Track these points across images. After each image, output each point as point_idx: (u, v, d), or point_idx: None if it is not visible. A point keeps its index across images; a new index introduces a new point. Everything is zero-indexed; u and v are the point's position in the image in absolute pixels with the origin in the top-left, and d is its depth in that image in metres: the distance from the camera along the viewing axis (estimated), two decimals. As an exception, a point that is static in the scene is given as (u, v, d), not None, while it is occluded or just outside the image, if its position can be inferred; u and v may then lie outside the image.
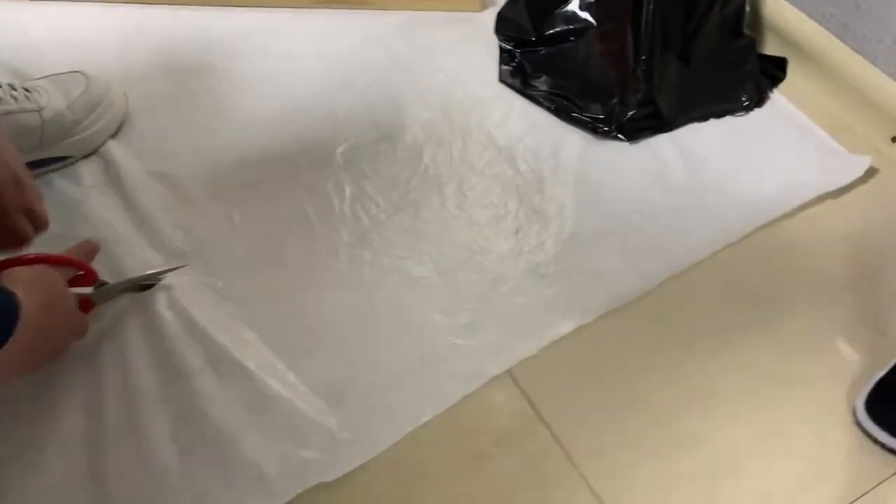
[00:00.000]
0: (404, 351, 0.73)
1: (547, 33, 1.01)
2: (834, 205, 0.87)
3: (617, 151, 0.91)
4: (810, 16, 0.97)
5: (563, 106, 0.95)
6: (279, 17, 1.04)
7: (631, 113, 0.92)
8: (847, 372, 0.74)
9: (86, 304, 0.70)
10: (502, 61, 1.01)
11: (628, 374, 0.73)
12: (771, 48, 1.02)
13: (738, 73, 0.98)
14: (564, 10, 1.00)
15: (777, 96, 0.99)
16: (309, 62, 0.99)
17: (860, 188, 0.89)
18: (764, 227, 0.84)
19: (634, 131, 0.93)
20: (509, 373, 0.72)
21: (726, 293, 0.79)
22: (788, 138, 0.94)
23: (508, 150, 0.91)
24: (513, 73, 0.99)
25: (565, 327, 0.75)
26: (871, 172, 0.90)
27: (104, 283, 0.72)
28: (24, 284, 0.59)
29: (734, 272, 0.81)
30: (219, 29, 1.02)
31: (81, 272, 0.70)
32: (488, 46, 1.03)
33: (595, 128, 0.93)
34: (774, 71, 1.02)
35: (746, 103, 0.97)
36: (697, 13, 0.94)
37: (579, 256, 0.81)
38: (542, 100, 0.96)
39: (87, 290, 0.70)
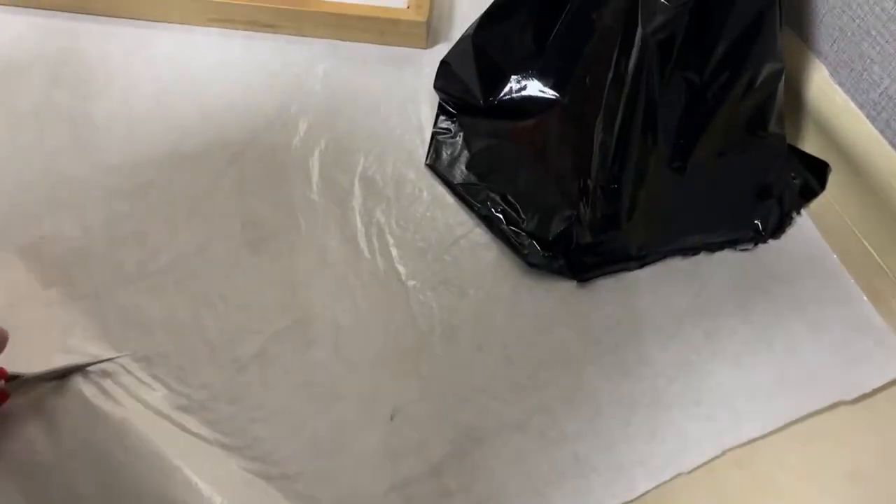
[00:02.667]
0: None
1: (498, 100, 0.74)
2: (847, 418, 0.61)
3: (558, 296, 0.67)
4: (871, 119, 0.67)
5: (499, 212, 0.70)
6: (158, 36, 0.80)
7: (586, 240, 0.66)
8: None
9: None
10: (437, 132, 0.75)
11: None
12: (810, 149, 0.73)
13: (755, 184, 0.71)
14: (526, 74, 0.73)
15: (806, 224, 0.71)
16: (182, 108, 0.75)
17: (889, 395, 0.62)
18: (739, 448, 0.59)
19: (586, 267, 0.67)
20: None
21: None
22: (806, 295, 0.67)
23: (408, 280, 0.67)
24: (447, 151, 0.74)
25: None
26: (913, 369, 0.63)
27: (17, 376, 0.56)
28: None
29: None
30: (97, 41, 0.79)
31: None
32: (426, 102, 0.77)
33: (531, 259, 0.67)
34: (808, 178, 0.73)
35: (759, 231, 0.70)
36: (706, 101, 0.66)
37: (470, 468, 0.58)
38: (472, 201, 0.71)
39: None
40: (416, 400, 0.61)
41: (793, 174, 0.72)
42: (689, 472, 0.58)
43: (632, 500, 0.57)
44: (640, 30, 0.60)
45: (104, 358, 0.59)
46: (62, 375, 0.58)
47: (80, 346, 0.60)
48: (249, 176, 0.71)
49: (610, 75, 0.64)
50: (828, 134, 0.71)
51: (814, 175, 0.73)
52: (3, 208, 0.67)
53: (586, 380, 0.62)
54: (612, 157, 0.65)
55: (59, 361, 0.58)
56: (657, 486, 0.58)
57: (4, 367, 0.54)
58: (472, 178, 0.72)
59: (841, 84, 0.69)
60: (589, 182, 0.66)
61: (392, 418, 0.60)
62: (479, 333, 0.64)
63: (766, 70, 0.66)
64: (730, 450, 0.59)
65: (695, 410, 0.61)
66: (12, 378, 0.55)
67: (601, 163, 0.65)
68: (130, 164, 0.71)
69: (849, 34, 0.67)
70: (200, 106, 0.74)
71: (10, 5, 0.79)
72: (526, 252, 0.68)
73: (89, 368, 0.59)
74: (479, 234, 0.69)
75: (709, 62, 0.64)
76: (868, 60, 0.65)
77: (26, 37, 0.79)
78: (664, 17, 0.59)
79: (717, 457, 0.59)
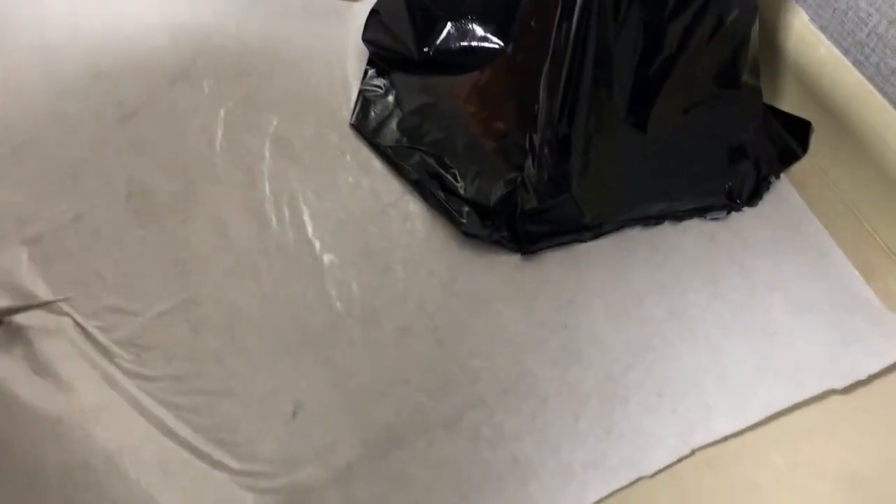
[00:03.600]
0: None
1: (435, 51, 0.64)
2: (840, 413, 0.52)
3: (499, 271, 0.56)
4: (857, 64, 0.58)
5: (434, 177, 0.60)
6: None
7: (530, 206, 0.56)
8: None
9: None
10: (365, 89, 0.65)
11: None
12: (787, 97, 0.64)
13: (727, 146, 0.61)
14: (461, 22, 0.63)
15: (786, 188, 0.62)
16: (71, 64, 0.65)
17: (887, 382, 0.53)
18: (713, 447, 0.49)
19: (533, 237, 0.57)
20: None
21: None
22: (789, 271, 0.57)
23: (324, 254, 0.56)
24: (376, 110, 0.64)
25: None
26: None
27: None
28: None
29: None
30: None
31: None
32: (354, 57, 0.67)
33: (470, 228, 0.57)
34: (789, 140, 0.64)
35: (732, 198, 0.60)
36: (667, 45, 0.56)
37: (384, 476, 0.48)
38: (403, 164, 0.61)
39: None
40: (324, 394, 0.50)
41: (770, 136, 0.63)
42: (651, 475, 0.48)
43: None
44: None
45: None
46: None
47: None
48: (142, 139, 0.61)
49: (557, 15, 0.54)
50: (809, 88, 0.62)
51: (794, 136, 0.64)
52: None
53: (528, 368, 0.52)
54: (559, 108, 0.55)
55: None
56: (612, 493, 0.47)
57: None
58: (404, 140, 0.62)
59: (823, 28, 0.60)
60: (535, 138, 0.56)
61: (294, 415, 0.50)
62: (406, 315, 0.54)
63: (737, 8, 0.57)
64: (699, 449, 0.49)
65: (657, 402, 0.51)
66: None
67: (547, 116, 0.56)
68: (4, 125, 0.60)
69: (832, -31, 0.58)
70: (91, 63, 0.64)
71: None
72: (463, 221, 0.58)
73: None
74: (410, 203, 0.60)
75: (670, -1, 0.55)
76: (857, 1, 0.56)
77: None
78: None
79: (684, 457, 0.49)
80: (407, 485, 0.47)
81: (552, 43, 0.55)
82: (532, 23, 0.59)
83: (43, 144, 0.60)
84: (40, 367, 0.48)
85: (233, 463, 0.48)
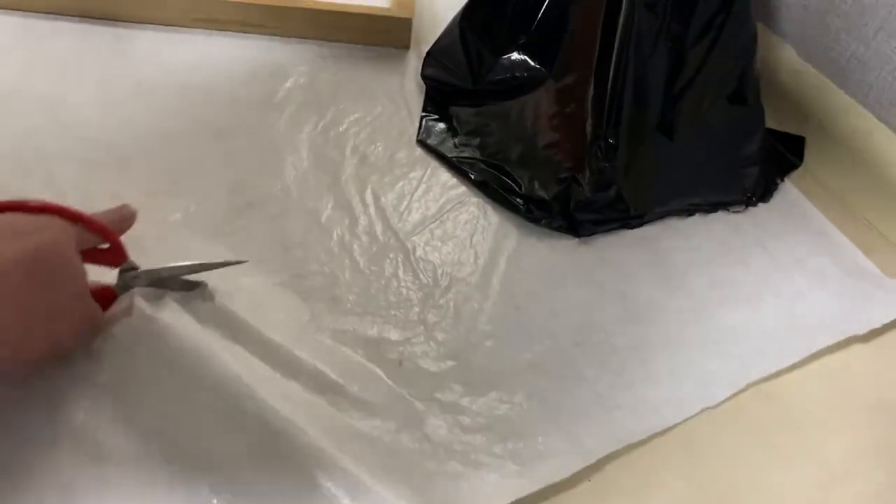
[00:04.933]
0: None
1: (488, 82, 0.75)
2: (865, 354, 0.60)
3: (561, 251, 0.65)
4: (840, 85, 0.71)
5: (495, 180, 0.69)
6: (142, 36, 0.79)
7: (584, 198, 0.66)
8: None
9: (104, 294, 0.49)
10: (426, 115, 0.75)
11: None
12: (783, 120, 0.76)
13: (739, 153, 0.72)
14: (511, 54, 0.75)
15: (790, 188, 0.73)
16: (165, 98, 0.73)
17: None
18: (762, 383, 0.57)
19: (587, 224, 0.67)
20: None
21: (703, 486, 0.52)
22: (802, 249, 0.67)
23: (408, 240, 0.64)
24: (437, 132, 0.74)
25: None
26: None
27: (134, 268, 0.50)
28: (8, 233, 0.41)
29: (716, 453, 0.54)
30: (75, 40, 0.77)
31: (105, 244, 0.48)
32: (415, 94, 0.78)
33: (532, 214, 0.66)
34: (786, 154, 0.76)
35: (747, 195, 0.71)
36: (687, 69, 0.68)
37: (486, 407, 0.54)
38: (468, 170, 0.70)
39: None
40: (422, 346, 0.57)
41: (771, 150, 0.75)
42: (717, 405, 0.55)
43: (659, 435, 0.54)
44: (628, -6, 0.63)
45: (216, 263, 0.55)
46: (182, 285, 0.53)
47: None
48: (236, 149, 0.69)
49: (598, 44, 0.66)
50: (803, 110, 0.74)
51: (791, 151, 0.76)
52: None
53: (598, 325, 0.60)
54: (605, 122, 0.66)
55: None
56: (685, 420, 0.54)
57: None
58: (466, 153, 0.72)
59: (809, 59, 0.73)
60: (586, 142, 0.66)
61: (400, 364, 0.56)
62: (484, 286, 0.62)
63: (741, 41, 0.70)
64: (754, 384, 0.57)
65: (714, 348, 0.59)
66: (128, 268, 0.50)
67: (595, 128, 0.67)
68: (107, 141, 0.68)
69: (812, 10, 0.71)
70: (181, 93, 0.73)
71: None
72: (525, 210, 0.67)
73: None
74: (477, 201, 0.69)
75: (689, 31, 0.68)
76: (835, 30, 0.70)
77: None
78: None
79: (741, 391, 0.56)
80: (506, 416, 0.53)
81: (594, 70, 0.67)
82: (573, 52, 0.70)
83: (147, 156, 0.67)
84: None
85: (343, 401, 0.53)
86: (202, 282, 0.55)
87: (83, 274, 0.46)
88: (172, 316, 0.51)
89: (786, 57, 0.75)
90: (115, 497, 0.46)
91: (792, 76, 0.75)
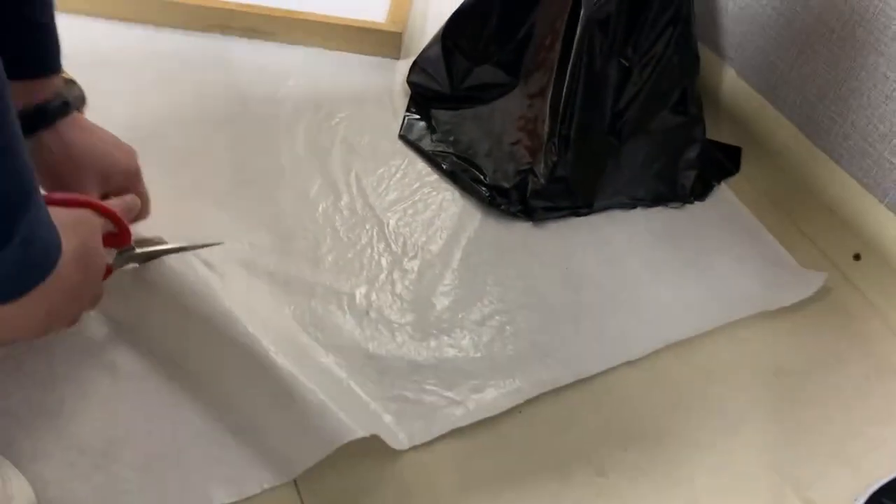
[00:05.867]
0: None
1: (464, 88, 0.86)
2: (771, 329, 0.70)
3: (516, 232, 0.75)
4: (772, 101, 0.81)
5: (464, 171, 0.79)
6: (166, 38, 0.90)
7: (538, 188, 0.76)
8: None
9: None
10: (408, 114, 0.86)
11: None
12: (725, 133, 0.86)
13: (680, 157, 0.82)
14: (485, 65, 0.85)
15: (724, 190, 0.83)
16: (183, 90, 0.84)
17: (807, 309, 0.71)
18: (678, 345, 0.66)
19: (540, 210, 0.76)
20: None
21: (614, 424, 0.61)
22: (730, 240, 0.77)
23: (383, 215, 0.74)
24: (417, 129, 0.84)
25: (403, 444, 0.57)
26: (823, 293, 0.72)
27: (130, 249, 0.60)
28: (64, 228, 0.48)
29: (629, 399, 0.63)
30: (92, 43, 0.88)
31: (116, 231, 0.57)
32: (400, 98, 0.88)
33: (494, 201, 0.76)
34: (725, 162, 0.86)
35: (686, 194, 0.81)
36: (633, 81, 0.79)
37: (437, 351, 0.63)
38: (441, 161, 0.80)
39: (112, 252, 0.58)
40: (388, 301, 0.67)
41: (712, 158, 0.85)
42: (636, 360, 0.64)
43: (583, 381, 0.63)
44: (583, 11, 0.74)
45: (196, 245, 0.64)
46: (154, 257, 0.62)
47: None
48: (240, 136, 0.80)
49: (558, 57, 0.77)
50: (740, 123, 0.85)
51: (729, 159, 0.86)
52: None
53: (539, 292, 0.69)
54: (559, 121, 0.76)
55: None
56: (606, 371, 0.63)
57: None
58: (440, 147, 0.82)
59: (746, 79, 0.84)
60: (543, 137, 0.77)
61: (367, 314, 0.66)
62: (446, 256, 0.71)
63: (685, 61, 0.80)
64: (672, 345, 0.66)
65: (638, 315, 0.68)
66: (126, 249, 0.59)
67: (551, 126, 0.77)
68: (129, 125, 0.78)
69: (751, 37, 0.82)
70: (196, 90, 0.84)
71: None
72: (488, 196, 0.77)
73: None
74: (446, 188, 0.79)
75: (638, 49, 0.78)
76: (769, 54, 0.80)
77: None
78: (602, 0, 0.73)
79: (659, 350, 0.65)
80: (454, 359, 0.63)
81: (553, 80, 0.77)
82: (536, 65, 0.81)
83: (163, 138, 0.78)
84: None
85: (316, 343, 0.63)
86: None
87: (105, 258, 0.55)
88: (177, 267, 0.61)
89: (727, 77, 0.85)
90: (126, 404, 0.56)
91: (732, 94, 0.85)
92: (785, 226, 0.79)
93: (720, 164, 0.85)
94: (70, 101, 0.57)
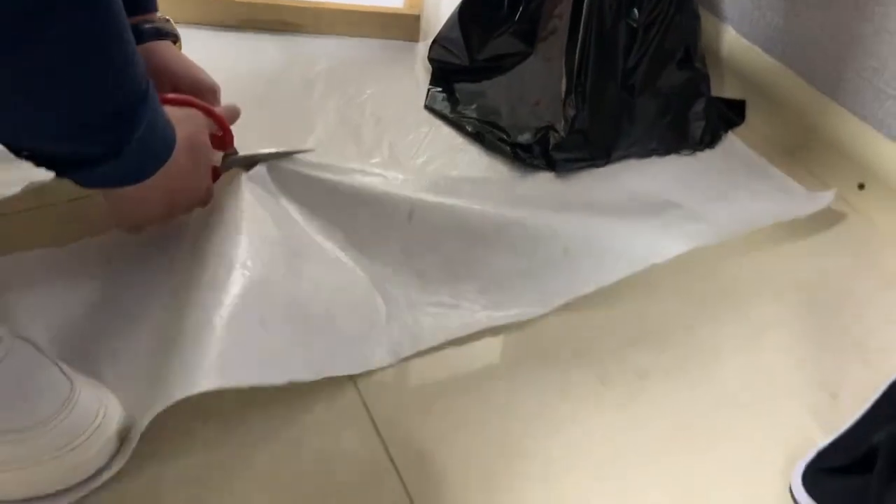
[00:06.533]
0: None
1: (482, 59, 0.92)
2: (788, 250, 0.75)
3: (540, 181, 0.81)
4: (769, 52, 0.87)
5: (488, 132, 0.85)
6: (201, 35, 0.97)
7: (559, 141, 0.82)
8: (787, 438, 0.59)
9: (213, 171, 0.63)
10: (431, 87, 0.92)
11: (515, 425, 0.58)
12: (730, 89, 0.92)
13: (688, 109, 0.88)
14: (501, 37, 0.92)
15: (732, 139, 0.88)
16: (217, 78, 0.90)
17: (819, 235, 0.77)
18: (698, 262, 0.71)
19: (562, 162, 0.82)
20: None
21: (646, 331, 0.66)
22: (742, 179, 0.82)
23: (417, 170, 0.80)
24: (441, 100, 0.90)
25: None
26: (833, 219, 0.77)
27: (234, 153, 0.66)
28: (176, 122, 0.55)
29: (660, 308, 0.68)
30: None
31: (220, 132, 0.64)
32: (422, 75, 0.95)
33: (518, 156, 0.82)
34: (731, 115, 0.92)
35: (695, 142, 0.87)
36: (640, 40, 0.85)
37: (477, 264, 0.68)
38: (466, 126, 0.86)
39: (218, 155, 0.65)
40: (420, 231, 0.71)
41: (718, 112, 0.91)
42: (664, 261, 0.68)
43: (617, 294, 0.67)
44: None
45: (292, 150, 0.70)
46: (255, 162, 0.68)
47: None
48: (276, 114, 0.86)
49: (569, 23, 0.83)
50: (742, 77, 0.91)
51: (734, 111, 0.92)
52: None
53: (553, 229, 0.72)
54: (575, 80, 0.82)
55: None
56: (637, 283, 0.68)
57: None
58: (465, 113, 0.88)
59: (745, 35, 0.90)
60: (561, 95, 0.83)
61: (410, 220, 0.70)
62: (475, 197, 0.76)
63: (687, 22, 0.86)
64: (696, 264, 0.70)
65: (662, 230, 0.71)
66: (231, 153, 0.66)
67: (567, 85, 0.83)
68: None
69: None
70: (228, 77, 0.89)
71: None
72: (511, 153, 0.82)
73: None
74: (473, 148, 0.85)
75: (642, 10, 0.84)
76: (763, 8, 0.86)
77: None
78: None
79: (686, 266, 0.69)
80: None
81: (566, 43, 0.84)
82: (550, 32, 0.87)
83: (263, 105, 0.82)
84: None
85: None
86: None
87: (213, 154, 0.62)
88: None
89: (727, 36, 0.92)
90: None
91: (733, 50, 0.91)
92: (791, 166, 0.85)
93: (726, 115, 0.91)
94: (162, 30, 0.64)
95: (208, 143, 0.61)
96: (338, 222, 0.69)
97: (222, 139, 0.65)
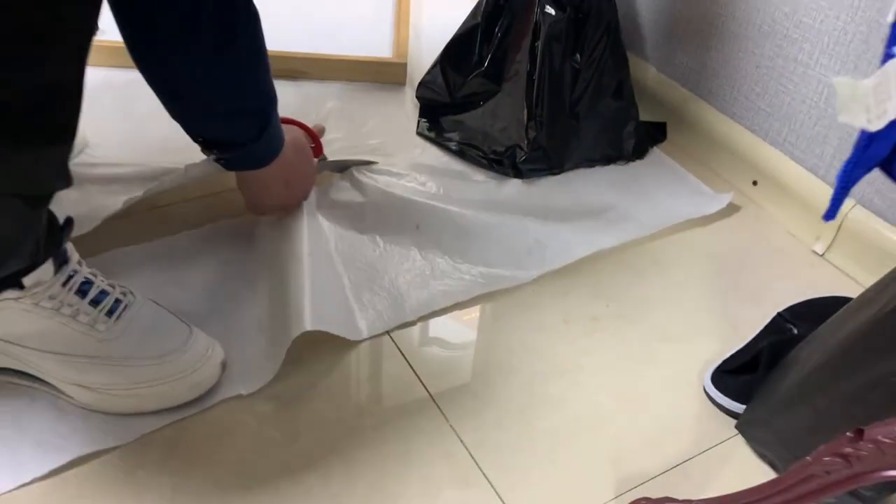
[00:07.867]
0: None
1: (460, 96, 1.16)
2: (700, 232, 0.99)
3: (510, 186, 1.04)
4: (683, 84, 1.13)
5: (469, 150, 1.08)
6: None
7: (524, 156, 1.05)
8: (701, 356, 0.82)
9: None
10: (421, 119, 1.15)
11: (505, 348, 0.80)
12: (653, 113, 1.17)
13: (622, 130, 1.13)
14: (475, 79, 1.15)
15: (657, 152, 1.13)
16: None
17: (724, 221, 1.01)
18: (635, 243, 0.95)
19: (527, 171, 1.06)
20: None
21: (599, 292, 0.88)
22: (664, 183, 1.07)
23: (418, 177, 1.03)
24: (429, 128, 1.13)
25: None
26: (734, 209, 1.02)
27: (324, 158, 0.95)
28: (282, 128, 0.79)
29: (608, 276, 0.91)
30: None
31: (313, 144, 0.92)
32: (411, 111, 1.18)
33: (493, 167, 1.05)
34: (656, 133, 1.17)
35: (628, 155, 1.11)
36: (582, 78, 1.10)
37: (472, 249, 0.91)
38: (451, 147, 1.09)
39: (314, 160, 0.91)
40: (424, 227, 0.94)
41: (646, 131, 1.16)
42: (608, 252, 0.92)
43: (575, 268, 0.90)
44: (542, 30, 1.05)
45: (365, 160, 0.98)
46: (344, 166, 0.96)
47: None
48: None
49: (527, 66, 1.08)
50: (663, 104, 1.16)
51: (658, 131, 1.17)
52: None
53: (521, 226, 0.96)
54: (534, 109, 1.07)
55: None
56: (588, 258, 0.91)
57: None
58: (449, 136, 1.11)
59: (663, 72, 1.16)
60: (523, 123, 1.07)
61: (417, 227, 0.92)
62: (465, 202, 0.99)
63: (617, 62, 1.12)
64: (630, 244, 0.94)
65: (604, 226, 0.96)
66: (321, 159, 0.92)
67: (528, 114, 1.07)
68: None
69: (662, 42, 1.14)
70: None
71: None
72: (487, 164, 1.06)
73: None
74: (456, 162, 1.07)
75: (583, 54, 1.09)
76: (677, 52, 1.12)
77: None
78: (554, 19, 1.04)
79: (623, 244, 0.93)
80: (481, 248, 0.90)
81: (525, 82, 1.08)
82: (514, 73, 1.12)
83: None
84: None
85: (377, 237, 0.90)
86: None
87: (313, 158, 0.87)
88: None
89: (651, 73, 1.17)
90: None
91: (655, 85, 1.16)
92: (701, 170, 1.10)
93: (652, 134, 1.16)
94: None
95: (307, 147, 0.87)
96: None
97: (315, 148, 0.91)
